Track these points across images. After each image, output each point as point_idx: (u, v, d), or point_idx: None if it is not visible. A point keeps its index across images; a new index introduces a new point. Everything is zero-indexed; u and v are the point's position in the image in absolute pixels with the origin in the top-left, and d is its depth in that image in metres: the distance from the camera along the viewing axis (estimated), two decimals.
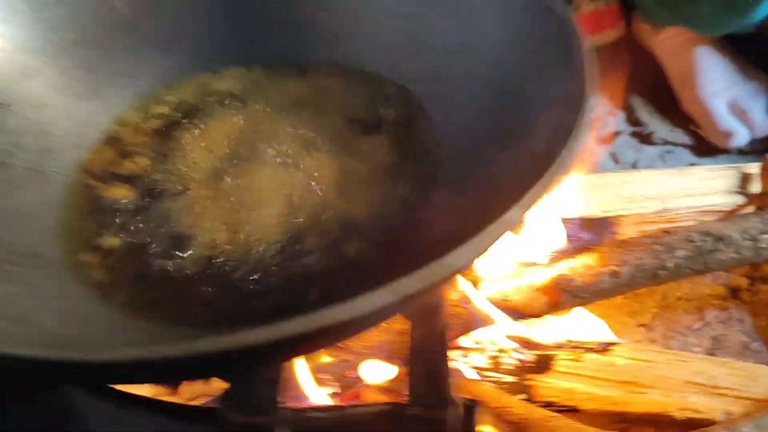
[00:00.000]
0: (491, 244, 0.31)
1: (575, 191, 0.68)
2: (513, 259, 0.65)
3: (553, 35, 0.43)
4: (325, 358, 0.57)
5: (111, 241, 0.45)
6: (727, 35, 1.09)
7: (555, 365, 0.64)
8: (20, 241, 0.42)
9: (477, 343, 0.64)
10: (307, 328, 0.26)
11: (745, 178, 0.73)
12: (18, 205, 0.44)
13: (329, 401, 0.54)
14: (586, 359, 0.65)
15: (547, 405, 0.60)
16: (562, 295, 0.60)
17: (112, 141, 0.53)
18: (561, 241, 0.66)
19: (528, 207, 0.32)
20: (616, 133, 1.10)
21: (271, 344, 0.26)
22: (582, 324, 0.69)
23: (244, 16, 0.60)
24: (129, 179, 0.50)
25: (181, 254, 0.44)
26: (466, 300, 0.58)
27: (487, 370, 0.64)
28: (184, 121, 0.55)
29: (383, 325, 0.58)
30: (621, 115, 1.14)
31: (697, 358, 0.66)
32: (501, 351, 0.65)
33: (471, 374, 0.60)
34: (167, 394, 0.61)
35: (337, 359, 0.55)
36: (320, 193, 0.48)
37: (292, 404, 0.49)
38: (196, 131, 0.54)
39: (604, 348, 0.66)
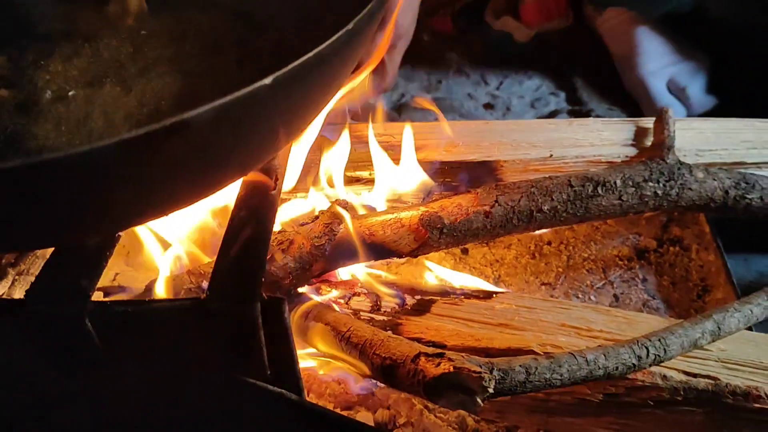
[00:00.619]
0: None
1: (458, 136, 0.68)
2: (383, 198, 0.66)
3: None
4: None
5: None
6: (666, 15, 1.10)
7: (432, 308, 0.64)
8: None
9: (360, 286, 0.64)
10: None
11: (640, 132, 0.72)
12: None
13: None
14: (464, 303, 0.65)
15: (414, 341, 0.60)
16: (429, 232, 0.60)
17: None
18: (435, 183, 0.66)
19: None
20: (557, 111, 1.11)
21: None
22: (468, 280, 0.69)
23: None
24: None
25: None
26: (329, 232, 0.58)
27: (363, 311, 0.64)
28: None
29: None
30: (561, 95, 1.14)
31: (580, 306, 0.65)
32: (382, 294, 0.65)
33: (328, 304, 0.60)
34: None
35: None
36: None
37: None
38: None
39: (487, 295, 0.66)
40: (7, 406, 0.46)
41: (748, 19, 1.01)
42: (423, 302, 0.65)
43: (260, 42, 0.59)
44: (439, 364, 0.47)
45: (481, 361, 0.49)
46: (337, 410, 0.63)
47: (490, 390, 0.46)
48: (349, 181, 0.68)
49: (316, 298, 0.59)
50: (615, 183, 0.65)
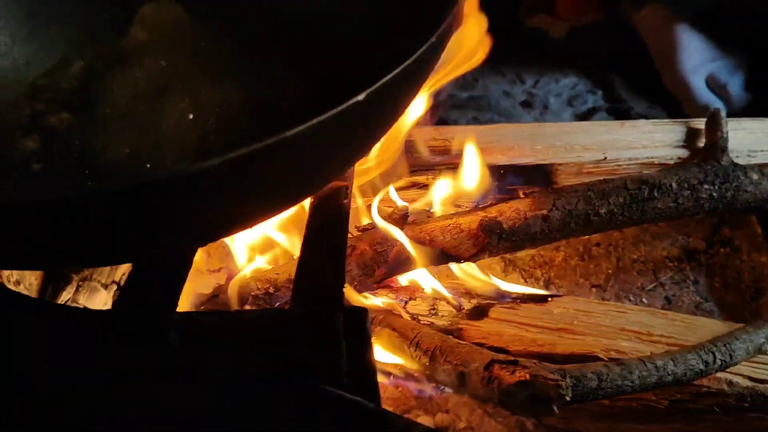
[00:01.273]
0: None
1: (512, 140, 0.68)
2: (442, 203, 0.66)
3: None
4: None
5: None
6: (705, 11, 1.09)
7: (490, 313, 0.64)
8: None
9: (411, 283, 0.64)
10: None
11: (691, 133, 0.72)
12: None
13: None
14: (521, 308, 0.65)
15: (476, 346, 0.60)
16: (488, 237, 0.60)
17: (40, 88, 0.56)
18: (492, 187, 0.66)
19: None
20: (594, 109, 1.10)
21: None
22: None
23: None
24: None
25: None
26: (392, 240, 0.59)
27: (422, 315, 0.64)
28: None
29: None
30: (598, 93, 1.14)
31: (637, 309, 0.65)
32: (440, 299, 0.65)
33: (398, 311, 0.60)
34: None
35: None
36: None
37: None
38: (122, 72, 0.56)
39: (543, 299, 0.66)
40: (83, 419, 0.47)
41: None
42: (480, 306, 0.65)
43: (313, 47, 0.59)
44: (513, 371, 0.48)
45: (553, 368, 0.49)
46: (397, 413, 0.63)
47: (568, 398, 0.46)
48: (408, 185, 0.68)
49: (379, 303, 0.60)
50: (671, 186, 0.65)
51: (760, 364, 0.57)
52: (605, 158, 0.69)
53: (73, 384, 0.39)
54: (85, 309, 0.45)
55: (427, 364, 0.53)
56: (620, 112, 1.10)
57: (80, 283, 0.64)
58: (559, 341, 0.59)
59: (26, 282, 0.62)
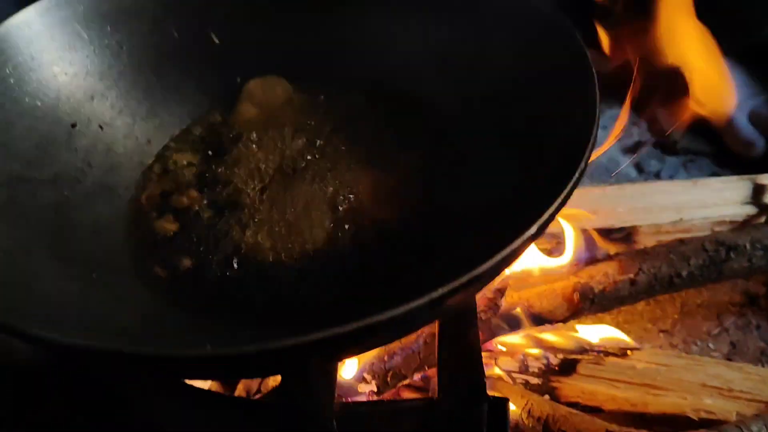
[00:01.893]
0: (515, 257, 0.36)
1: (596, 203, 0.72)
2: (536, 267, 0.69)
3: (565, 63, 0.48)
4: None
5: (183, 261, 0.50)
6: (747, 46, 1.12)
7: (578, 369, 0.68)
8: (98, 251, 0.47)
9: (503, 345, 0.68)
10: (357, 327, 0.31)
11: (758, 189, 0.76)
12: (94, 219, 0.50)
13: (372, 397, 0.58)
14: (607, 363, 0.69)
15: (571, 405, 0.64)
16: (582, 302, 0.64)
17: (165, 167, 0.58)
18: (582, 251, 0.69)
19: (546, 221, 0.37)
20: (642, 143, 1.14)
21: (327, 341, 0.31)
22: (604, 331, 0.72)
23: (289, 38, 0.65)
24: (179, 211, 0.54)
25: (236, 264, 0.49)
26: (493, 306, 0.62)
27: (514, 372, 0.68)
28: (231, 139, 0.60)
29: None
30: (645, 126, 1.17)
31: (713, 362, 0.69)
32: (528, 355, 0.69)
33: (498, 375, 0.64)
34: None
35: (377, 359, 0.60)
36: (356, 204, 0.53)
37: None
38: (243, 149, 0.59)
39: (624, 352, 0.70)
40: None
41: None
42: (567, 362, 0.69)
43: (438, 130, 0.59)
44: None
45: None
46: None
47: None
48: None
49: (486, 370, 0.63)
50: (745, 246, 0.69)
51: None
52: (681, 219, 0.73)
53: None
54: (252, 400, 0.49)
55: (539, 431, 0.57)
56: (666, 147, 1.13)
57: None
58: (651, 400, 0.63)
59: None
